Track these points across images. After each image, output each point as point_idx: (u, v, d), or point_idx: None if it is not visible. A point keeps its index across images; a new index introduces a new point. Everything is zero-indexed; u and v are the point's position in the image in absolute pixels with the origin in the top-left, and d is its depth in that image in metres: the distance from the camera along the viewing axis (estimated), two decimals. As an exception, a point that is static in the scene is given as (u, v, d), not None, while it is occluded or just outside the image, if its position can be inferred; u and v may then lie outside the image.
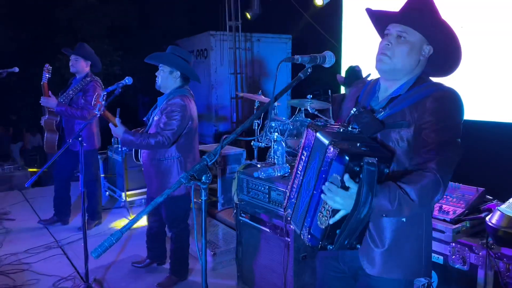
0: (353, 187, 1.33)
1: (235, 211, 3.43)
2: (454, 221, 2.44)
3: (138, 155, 3.36)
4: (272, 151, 3.78)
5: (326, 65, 1.61)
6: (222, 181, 4.89)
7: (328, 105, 4.15)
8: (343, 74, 5.50)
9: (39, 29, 9.68)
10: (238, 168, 4.10)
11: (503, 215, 2.13)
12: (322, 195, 1.38)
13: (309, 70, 1.57)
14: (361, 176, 1.31)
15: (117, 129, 3.04)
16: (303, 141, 1.61)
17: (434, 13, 1.58)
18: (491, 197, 2.76)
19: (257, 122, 4.70)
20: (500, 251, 2.26)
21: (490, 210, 2.52)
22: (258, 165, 3.61)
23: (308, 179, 1.52)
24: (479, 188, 2.66)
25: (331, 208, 1.38)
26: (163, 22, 10.83)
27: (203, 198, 1.36)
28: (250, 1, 8.31)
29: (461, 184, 2.74)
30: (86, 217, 3.80)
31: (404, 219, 1.55)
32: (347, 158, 1.31)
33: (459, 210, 2.49)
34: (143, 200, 5.47)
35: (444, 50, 1.60)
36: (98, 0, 9.42)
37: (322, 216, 1.40)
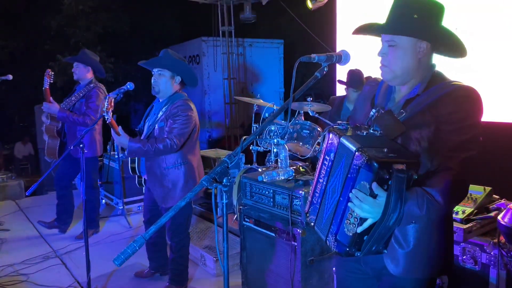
0: (382, 195, 1.32)
1: (236, 216, 3.39)
2: (464, 221, 2.43)
3: (135, 167, 3.25)
4: (272, 155, 3.75)
5: (342, 64, 1.59)
6: (222, 186, 4.84)
7: (328, 107, 4.14)
8: (339, 77, 5.53)
9: (30, 37, 9.59)
10: (238, 173, 4.07)
11: (515, 213, 2.12)
12: (350, 204, 1.37)
13: (325, 69, 1.55)
14: (389, 183, 1.29)
15: (121, 138, 2.93)
16: (324, 145, 1.58)
17: (415, 12, 1.56)
18: (497, 196, 2.76)
19: (255, 126, 4.67)
20: (512, 250, 2.25)
21: (499, 209, 2.52)
22: (260, 169, 3.58)
23: (332, 185, 1.49)
24: (486, 187, 2.65)
25: (359, 216, 1.36)
26: (155, 28, 10.80)
27: (224, 201, 1.33)
28: (243, 6, 8.31)
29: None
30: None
31: None
32: (376, 165, 1.29)
33: (468, 210, 2.48)
34: (140, 207, 5.41)
35: (440, 40, 1.59)
36: (89, 7, 9.34)
37: (349, 223, 1.39)
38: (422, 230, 1.53)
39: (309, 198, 1.68)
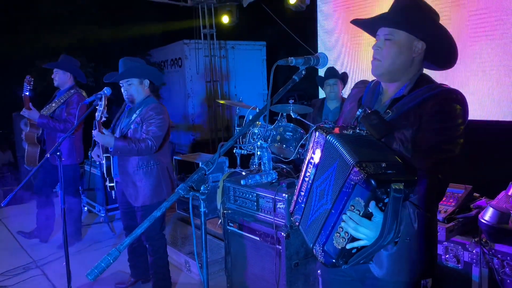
0: (378, 216, 1.28)
1: (221, 220, 3.36)
2: (446, 220, 2.44)
3: (111, 170, 3.27)
4: (256, 158, 3.73)
5: (320, 67, 1.58)
6: (205, 190, 4.80)
7: (310, 109, 4.14)
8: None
9: (6, 42, 9.37)
10: (222, 177, 4.03)
11: (495, 211, 2.14)
12: (343, 224, 1.33)
13: (303, 72, 1.53)
14: (386, 200, 1.26)
15: (107, 137, 2.97)
16: (310, 144, 1.56)
17: (418, 9, 1.58)
18: (478, 195, 2.79)
19: (238, 129, 4.64)
20: (493, 247, 2.26)
21: (480, 207, 2.54)
22: (243, 173, 3.55)
23: (321, 187, 1.46)
24: (467, 185, 2.67)
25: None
26: (136, 32, 10.67)
27: (202, 209, 1.30)
28: (224, 9, 8.28)
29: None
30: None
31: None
32: (374, 184, 1.23)
33: (450, 209, 2.49)
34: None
35: (436, 42, 1.59)
36: (68, 12, 9.19)
37: (340, 237, 1.35)
38: (406, 232, 1.52)
39: (294, 198, 1.66)
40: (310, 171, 1.54)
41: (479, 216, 2.25)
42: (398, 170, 1.30)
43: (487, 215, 2.18)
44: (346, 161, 1.32)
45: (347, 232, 1.33)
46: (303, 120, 3.88)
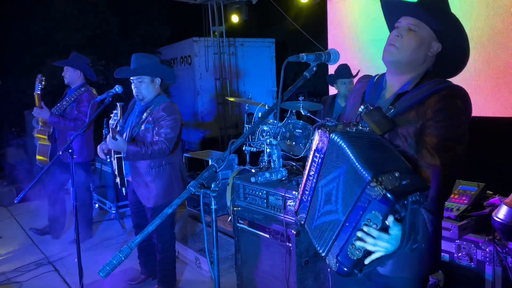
0: (395, 228, 1.28)
1: (230, 218, 3.36)
2: (458, 218, 2.41)
3: (123, 171, 3.22)
4: (265, 155, 3.72)
5: (331, 63, 1.57)
6: (215, 187, 4.80)
7: (320, 106, 4.12)
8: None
9: (17, 41, 9.46)
10: (231, 174, 4.04)
11: (509, 209, 2.11)
12: (360, 242, 1.31)
13: (314, 68, 1.52)
14: (402, 213, 1.25)
15: (119, 142, 2.90)
16: (314, 142, 1.54)
17: (448, 9, 1.56)
18: (491, 192, 2.75)
19: (248, 126, 4.64)
20: (507, 246, 2.23)
21: (493, 205, 2.51)
22: (253, 170, 3.54)
23: (326, 188, 1.45)
24: (480, 183, 2.64)
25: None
26: (145, 30, 10.71)
27: (213, 207, 1.29)
28: (234, 6, 8.27)
29: (461, 180, 2.73)
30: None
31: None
32: (393, 200, 1.21)
33: (463, 207, 2.47)
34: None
35: (452, 49, 1.58)
36: (77, 10, 9.24)
37: (355, 249, 1.34)
38: (421, 238, 1.51)
39: (299, 197, 1.65)
40: (314, 170, 1.53)
41: (493, 214, 2.23)
42: (411, 178, 1.29)
43: (501, 213, 2.15)
44: (358, 172, 1.29)
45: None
46: (313, 117, 3.86)
